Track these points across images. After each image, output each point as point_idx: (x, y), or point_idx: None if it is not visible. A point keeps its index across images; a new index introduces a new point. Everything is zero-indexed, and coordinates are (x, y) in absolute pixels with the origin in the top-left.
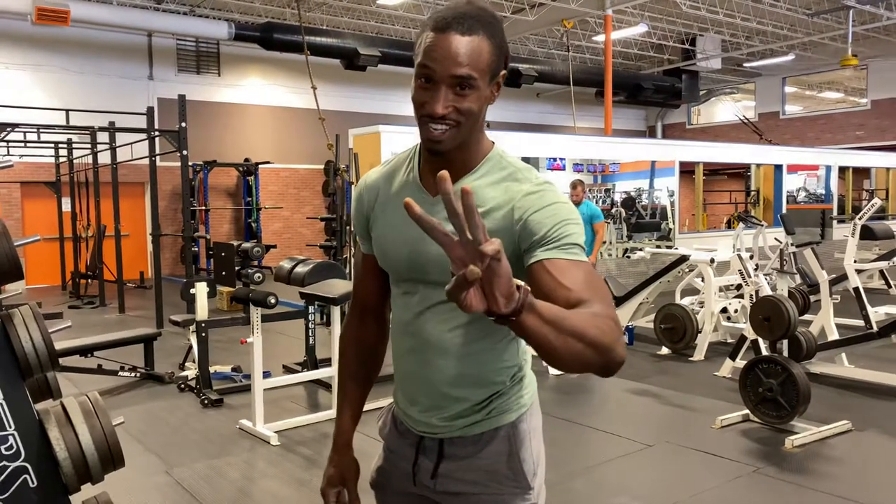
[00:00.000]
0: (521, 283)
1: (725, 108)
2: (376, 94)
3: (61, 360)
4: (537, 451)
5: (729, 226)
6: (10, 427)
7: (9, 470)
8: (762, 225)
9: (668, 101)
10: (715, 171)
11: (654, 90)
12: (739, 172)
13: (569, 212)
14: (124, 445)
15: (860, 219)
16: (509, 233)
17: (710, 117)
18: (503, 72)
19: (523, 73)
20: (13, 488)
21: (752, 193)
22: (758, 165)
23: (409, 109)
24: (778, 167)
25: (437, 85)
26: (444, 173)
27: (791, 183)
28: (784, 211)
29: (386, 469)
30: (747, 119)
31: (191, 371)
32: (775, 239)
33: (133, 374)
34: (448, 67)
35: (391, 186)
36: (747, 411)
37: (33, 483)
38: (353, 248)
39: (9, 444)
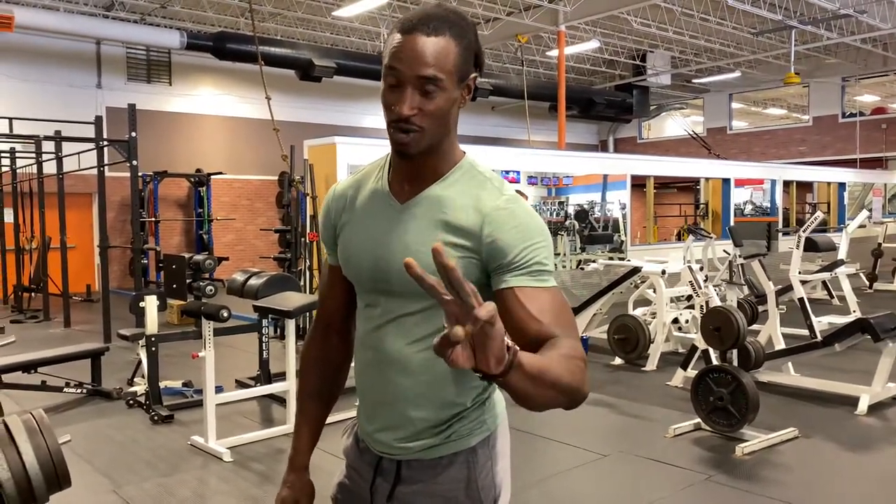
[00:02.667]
0: (511, 343)
1: (675, 123)
2: (332, 105)
3: (3, 377)
4: (501, 476)
5: (679, 238)
6: None
7: None
8: (711, 237)
9: (620, 116)
10: (665, 185)
11: (606, 105)
12: (689, 186)
13: (539, 231)
14: (70, 465)
15: (804, 231)
16: (477, 243)
17: (661, 132)
18: (473, 74)
19: (478, 87)
20: None
21: (702, 206)
22: (706, 179)
23: (365, 121)
24: (726, 181)
25: (403, 86)
26: (439, 246)
27: (738, 196)
28: (732, 223)
29: (346, 486)
30: (696, 134)
31: (140, 386)
32: (724, 251)
33: (79, 391)
34: (413, 68)
35: (359, 195)
36: (699, 420)
37: None
38: (307, 261)
39: None
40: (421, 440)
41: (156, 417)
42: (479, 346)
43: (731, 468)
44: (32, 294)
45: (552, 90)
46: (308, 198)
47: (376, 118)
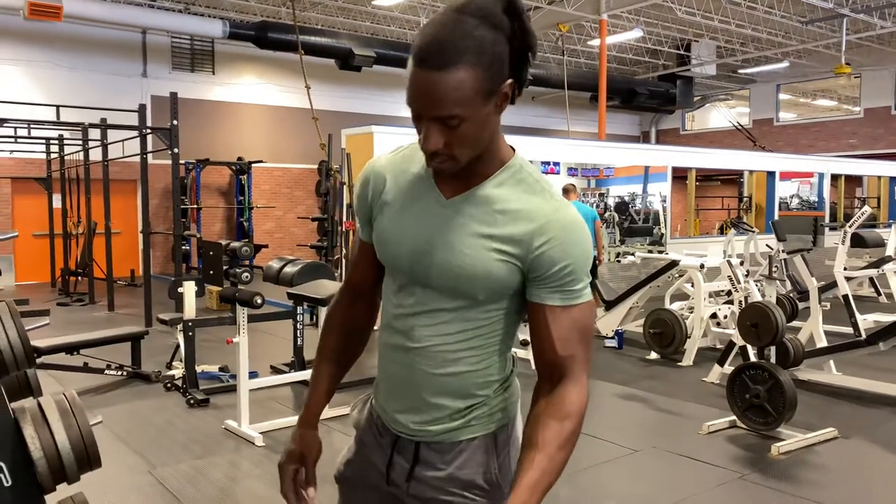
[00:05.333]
0: None
1: (720, 115)
2: (370, 94)
3: (47, 358)
4: (515, 460)
5: (721, 232)
6: None
7: None
8: (753, 231)
9: (663, 107)
10: (708, 177)
11: (649, 95)
12: (733, 178)
13: (583, 243)
14: (108, 445)
15: (851, 227)
16: (525, 251)
17: (705, 123)
18: (508, 81)
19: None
20: None
21: (745, 200)
22: (750, 172)
23: (403, 111)
24: (770, 174)
25: (424, 122)
26: None
27: (784, 190)
28: (776, 217)
29: (356, 463)
30: (741, 125)
31: (177, 370)
32: (766, 245)
33: (119, 373)
34: (428, 109)
35: (401, 179)
36: (734, 417)
37: (7, 482)
38: (344, 249)
39: None
40: (441, 424)
41: (192, 401)
42: None
43: (765, 467)
44: (79, 278)
45: (593, 80)
46: (345, 187)
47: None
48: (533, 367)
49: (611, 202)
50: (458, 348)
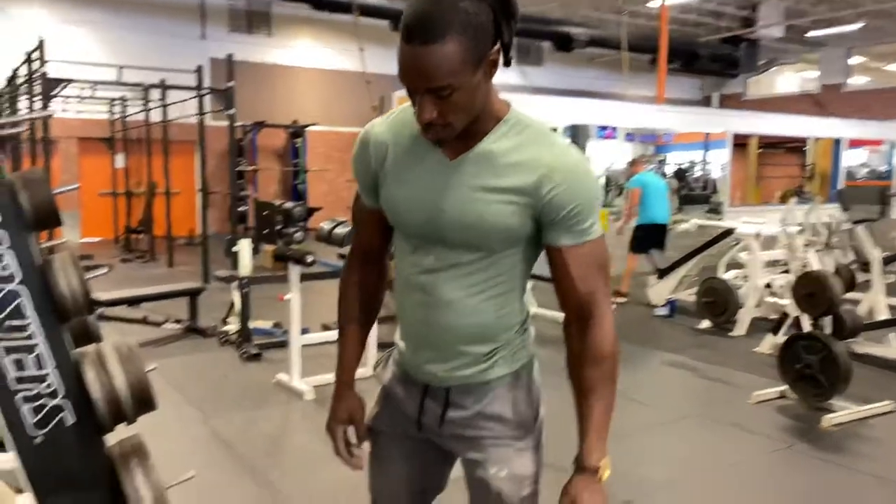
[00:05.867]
0: (600, 473)
1: (786, 79)
2: None
3: (109, 311)
4: (537, 394)
5: (783, 201)
6: (50, 367)
7: (48, 407)
8: (816, 200)
9: (726, 71)
10: (772, 145)
11: (711, 58)
12: (798, 146)
13: (590, 183)
14: (164, 395)
15: None
16: (535, 198)
17: (770, 88)
18: (495, 48)
19: (574, 38)
20: (52, 424)
21: (808, 168)
22: (815, 139)
23: None
24: (837, 141)
25: (417, 94)
26: None
27: (853, 158)
28: (842, 186)
29: (385, 414)
30: (808, 91)
31: (232, 326)
32: (829, 215)
33: (177, 327)
34: (420, 83)
35: (403, 142)
36: (784, 388)
37: (70, 421)
38: None
39: (48, 382)
40: (469, 369)
41: (245, 355)
42: None
43: (815, 438)
44: (140, 236)
45: (653, 42)
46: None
47: None
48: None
49: (669, 170)
50: (480, 298)
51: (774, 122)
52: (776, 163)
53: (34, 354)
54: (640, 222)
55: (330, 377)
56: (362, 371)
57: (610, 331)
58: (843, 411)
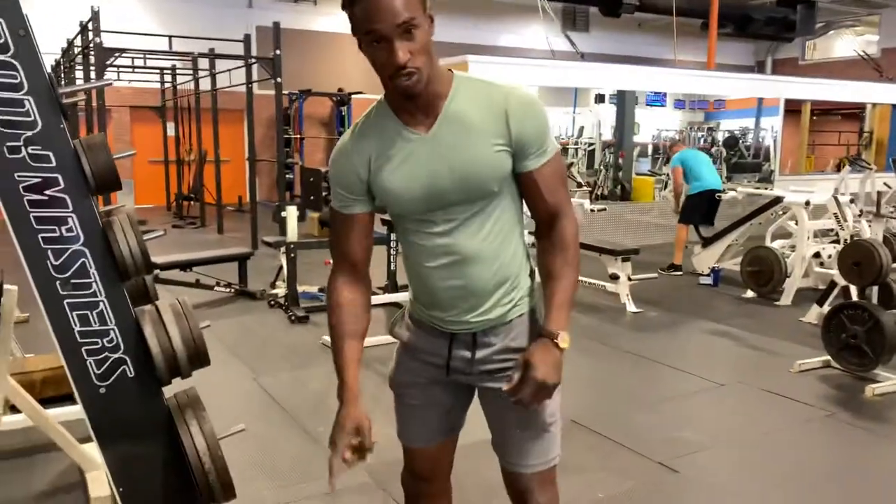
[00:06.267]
0: (558, 340)
1: (844, 43)
2: (465, 23)
3: (163, 274)
4: None
5: (838, 169)
6: (112, 323)
7: (111, 360)
8: (871, 168)
9: (780, 35)
10: (827, 111)
11: (765, 22)
12: (855, 113)
13: (541, 110)
14: (216, 353)
15: None
16: (507, 138)
17: (827, 52)
18: (428, 2)
19: (623, 3)
20: (114, 377)
21: (865, 135)
22: (873, 105)
23: (500, 39)
24: (895, 107)
25: (388, 40)
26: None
27: None
28: None
29: (409, 367)
30: (866, 54)
31: (280, 289)
32: (884, 184)
33: (227, 290)
34: (391, 20)
35: (379, 141)
36: (828, 357)
37: (131, 373)
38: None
39: (110, 337)
40: (494, 312)
41: (293, 317)
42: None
43: (857, 407)
44: (191, 202)
45: (705, 5)
46: None
47: (511, 36)
48: (622, 300)
49: (721, 137)
50: (495, 244)
51: (828, 88)
52: (832, 130)
53: (97, 311)
54: (691, 192)
55: (373, 340)
56: (374, 340)
57: (573, 227)
58: (887, 381)
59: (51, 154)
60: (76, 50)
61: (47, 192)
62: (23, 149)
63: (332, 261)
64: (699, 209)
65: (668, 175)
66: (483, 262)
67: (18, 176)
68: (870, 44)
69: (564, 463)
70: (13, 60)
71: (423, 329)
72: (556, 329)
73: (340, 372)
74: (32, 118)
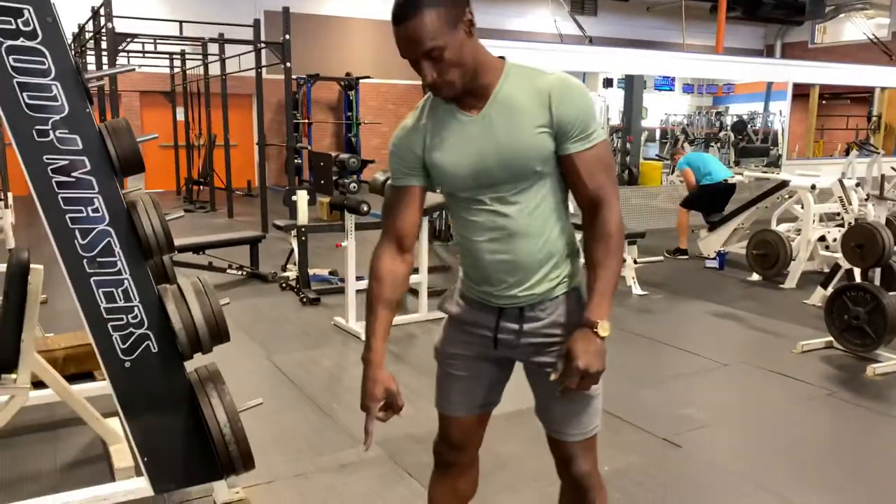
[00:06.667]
0: (597, 329)
1: (854, 26)
2: (473, 6)
3: (177, 257)
4: None
5: (846, 153)
6: (136, 300)
7: (135, 335)
8: (878, 153)
9: (790, 18)
10: (836, 95)
11: (775, 5)
12: (864, 97)
13: (586, 97)
14: (231, 333)
15: None
16: (549, 120)
17: (837, 36)
18: (466, 9)
19: None
20: (139, 351)
21: (873, 119)
22: (882, 89)
23: (508, 24)
24: None
25: (417, 63)
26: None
27: None
28: None
29: (459, 339)
30: (876, 38)
31: (291, 272)
32: (892, 168)
33: (240, 273)
34: (414, 51)
35: (435, 121)
36: (831, 338)
37: (154, 349)
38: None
39: (135, 313)
40: (541, 287)
41: (304, 299)
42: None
43: (858, 387)
44: (201, 187)
45: None
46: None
47: (519, 20)
48: (628, 283)
49: (729, 121)
50: (540, 220)
51: (837, 72)
52: (842, 114)
53: (122, 288)
54: (703, 183)
55: None
56: (417, 316)
57: (616, 215)
58: (888, 361)
59: (77, 137)
60: (87, 35)
61: (74, 173)
62: (51, 132)
63: (382, 232)
64: (711, 199)
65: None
66: (529, 237)
67: (47, 158)
68: (881, 27)
69: (531, 440)
70: (41, 47)
71: (471, 305)
72: (596, 318)
73: (369, 338)
74: (60, 103)
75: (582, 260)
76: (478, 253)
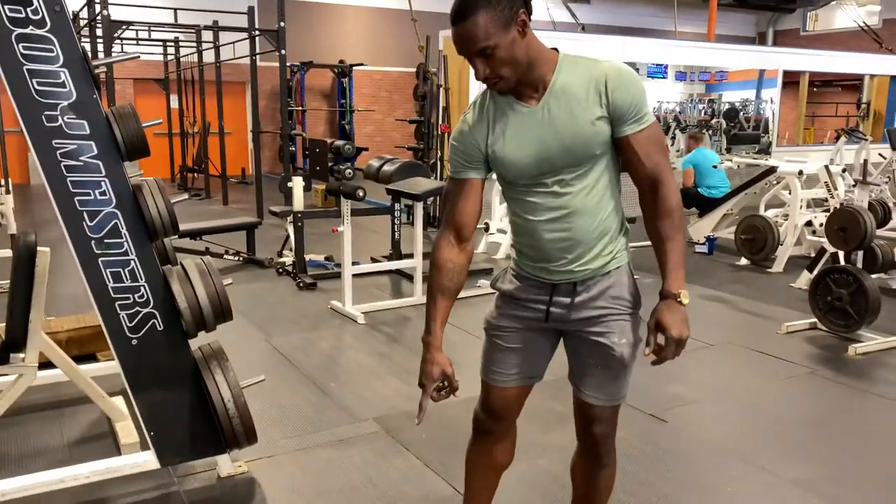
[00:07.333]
0: (680, 298)
1: (846, 14)
2: None
3: (174, 242)
4: (636, 284)
5: (837, 139)
6: (142, 280)
7: (141, 314)
8: (866, 139)
9: (782, 5)
10: (827, 83)
11: None
12: (855, 84)
13: (638, 82)
14: None
15: None
16: (605, 108)
17: (829, 23)
18: (521, 10)
19: None
20: (145, 330)
21: (862, 107)
22: (871, 76)
23: None
24: (894, 78)
25: (471, 60)
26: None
27: None
28: None
29: (511, 313)
30: (866, 25)
31: (288, 258)
32: (879, 154)
33: (237, 258)
34: (469, 50)
35: (495, 114)
36: (815, 319)
37: (160, 327)
38: (439, 152)
39: (141, 293)
40: (596, 262)
41: (301, 284)
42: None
43: (839, 365)
44: (195, 174)
45: None
46: (441, 89)
47: None
48: None
49: (723, 108)
50: (595, 200)
51: (827, 59)
52: (832, 101)
53: (129, 268)
54: (699, 191)
55: (380, 304)
56: (412, 300)
57: (675, 191)
58: (870, 341)
59: (85, 122)
60: (82, 23)
61: (82, 157)
62: (59, 118)
63: (442, 223)
64: (700, 205)
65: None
66: (587, 215)
67: (56, 143)
68: (872, 14)
69: (562, 413)
70: (50, 35)
71: (524, 282)
72: (676, 289)
73: (429, 322)
74: (68, 89)
75: (628, 239)
76: (536, 232)
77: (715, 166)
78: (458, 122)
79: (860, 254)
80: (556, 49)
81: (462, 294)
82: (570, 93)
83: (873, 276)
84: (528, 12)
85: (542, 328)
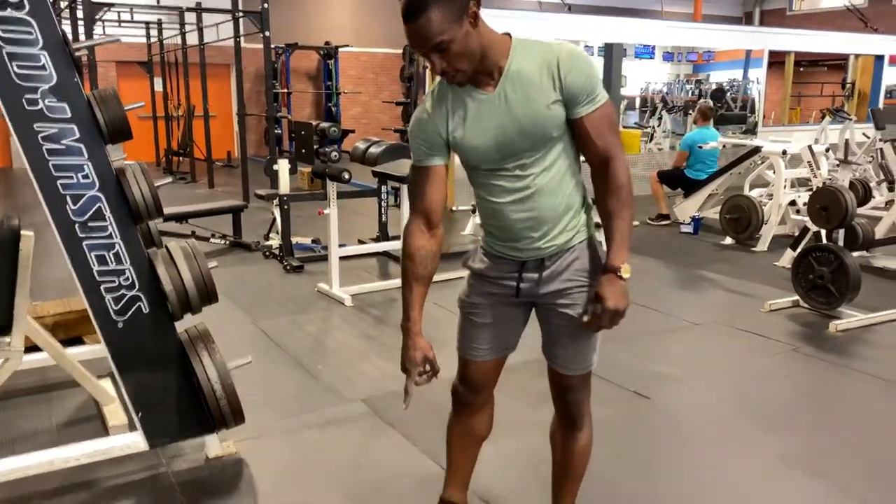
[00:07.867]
0: (620, 273)
1: None
2: None
3: (160, 226)
4: (602, 253)
5: (822, 120)
6: (127, 263)
7: (127, 297)
8: (851, 119)
9: None
10: (814, 63)
11: None
12: (840, 64)
13: (589, 63)
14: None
15: None
16: (559, 91)
17: (815, 3)
18: (471, 2)
19: None
20: (130, 312)
21: (847, 86)
22: (856, 56)
23: None
24: (879, 58)
25: (427, 56)
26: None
27: (895, 76)
28: (880, 105)
29: (483, 290)
30: (852, 5)
31: (274, 241)
32: (863, 134)
33: (223, 242)
34: (423, 46)
35: (454, 102)
36: (797, 298)
37: (146, 310)
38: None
39: (126, 276)
40: (561, 238)
41: (288, 267)
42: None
43: (821, 342)
44: (180, 158)
45: None
46: (427, 71)
47: None
48: (604, 247)
49: (711, 88)
50: (558, 178)
51: (812, 39)
52: (818, 81)
53: (113, 252)
54: (688, 174)
55: (367, 286)
56: (397, 282)
57: (624, 169)
58: (850, 318)
59: (66, 106)
60: (62, 4)
61: (64, 141)
62: (40, 101)
63: (409, 211)
64: (684, 185)
65: (653, 128)
66: (550, 194)
67: (37, 126)
68: None
69: (547, 391)
70: (29, 17)
71: (494, 260)
72: (618, 263)
73: (407, 309)
74: (48, 72)
75: (592, 214)
76: (502, 213)
77: (700, 146)
78: (417, 111)
79: (841, 232)
80: (508, 34)
81: (448, 276)
82: (525, 77)
83: (854, 254)
84: (478, 3)
85: (513, 303)
